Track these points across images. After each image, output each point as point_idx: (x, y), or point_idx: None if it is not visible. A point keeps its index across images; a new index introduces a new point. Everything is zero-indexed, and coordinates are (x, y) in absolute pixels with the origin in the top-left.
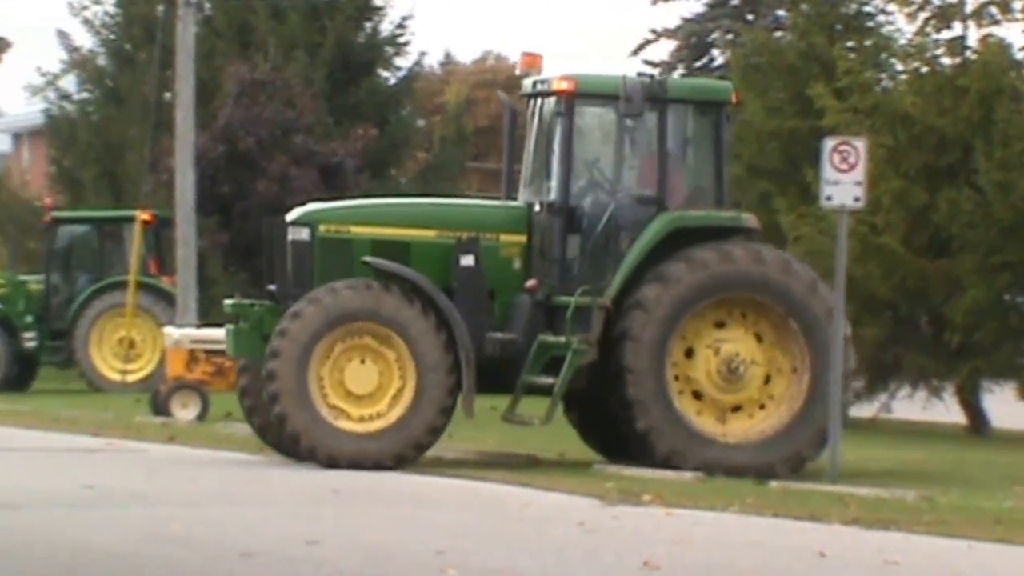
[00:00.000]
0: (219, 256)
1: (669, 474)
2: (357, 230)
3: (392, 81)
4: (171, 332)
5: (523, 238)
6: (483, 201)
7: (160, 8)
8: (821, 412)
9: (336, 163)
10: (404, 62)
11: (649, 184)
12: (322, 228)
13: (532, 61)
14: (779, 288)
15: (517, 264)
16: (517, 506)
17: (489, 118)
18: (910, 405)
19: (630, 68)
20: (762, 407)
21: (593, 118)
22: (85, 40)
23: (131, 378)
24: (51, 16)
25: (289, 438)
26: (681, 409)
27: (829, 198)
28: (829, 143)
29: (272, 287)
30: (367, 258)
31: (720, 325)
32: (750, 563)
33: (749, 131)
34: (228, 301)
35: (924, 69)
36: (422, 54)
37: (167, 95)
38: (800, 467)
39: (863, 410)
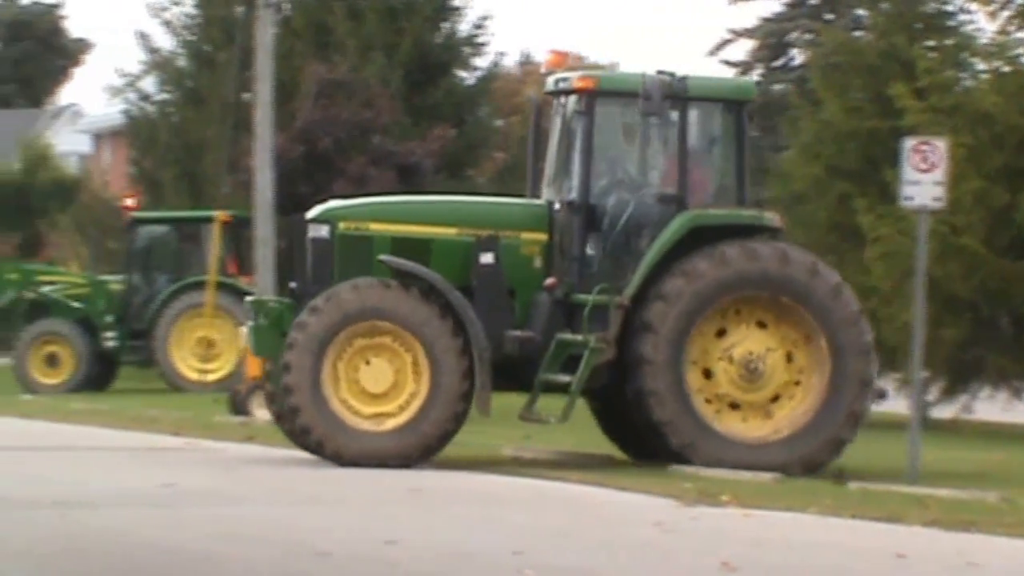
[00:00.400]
0: None
1: (746, 475)
2: (377, 227)
3: (470, 81)
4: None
5: (544, 236)
6: (504, 199)
7: (239, 9)
8: (854, 362)
9: (414, 163)
10: (482, 62)
11: (670, 182)
12: (342, 225)
13: (558, 59)
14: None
15: (538, 262)
16: (594, 506)
17: None
18: (991, 406)
19: (711, 69)
20: (798, 383)
21: (614, 116)
22: (165, 41)
23: (210, 378)
24: (131, 18)
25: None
26: (726, 430)
27: (909, 198)
28: (909, 143)
29: (293, 285)
30: (383, 256)
31: (721, 334)
32: (828, 564)
33: (828, 131)
34: (248, 298)
35: (1006, 68)
36: (500, 54)
37: (246, 96)
38: (857, 423)
39: (943, 411)
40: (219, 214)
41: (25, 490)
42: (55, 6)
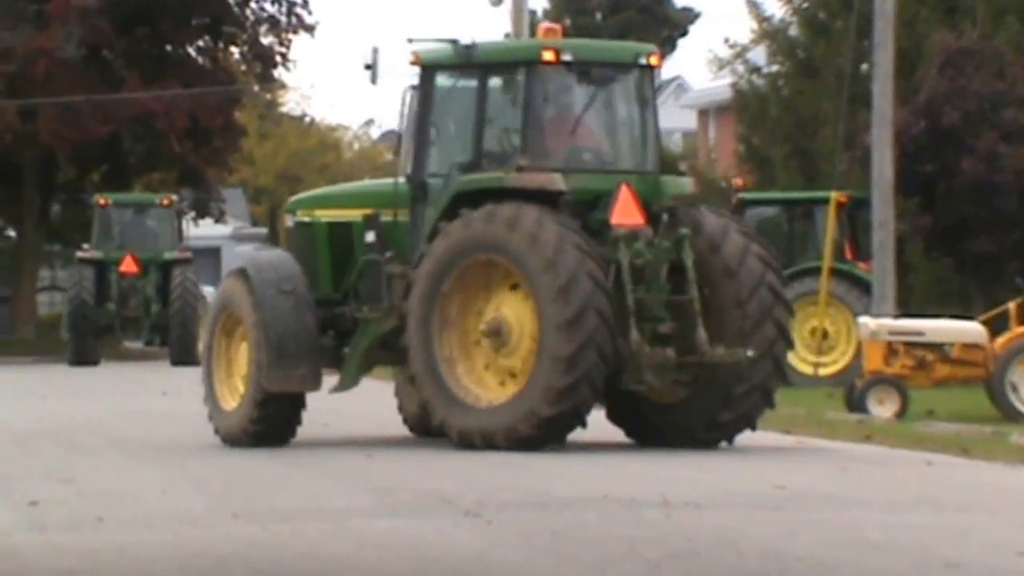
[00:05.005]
0: (919, 241)
1: None
2: (320, 214)
3: None
4: (867, 323)
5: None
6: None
7: None
8: (554, 336)
9: None
10: None
11: (470, 151)
12: (298, 214)
13: (545, 32)
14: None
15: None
16: None
17: None
18: None
19: None
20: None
21: (437, 90)
22: (776, 9)
23: (824, 371)
24: None
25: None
26: (479, 396)
27: None
28: None
29: None
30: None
31: (479, 311)
32: None
33: None
34: None
35: None
36: None
37: (864, 67)
38: (557, 401)
39: None
40: (835, 195)
41: (630, 488)
42: None
